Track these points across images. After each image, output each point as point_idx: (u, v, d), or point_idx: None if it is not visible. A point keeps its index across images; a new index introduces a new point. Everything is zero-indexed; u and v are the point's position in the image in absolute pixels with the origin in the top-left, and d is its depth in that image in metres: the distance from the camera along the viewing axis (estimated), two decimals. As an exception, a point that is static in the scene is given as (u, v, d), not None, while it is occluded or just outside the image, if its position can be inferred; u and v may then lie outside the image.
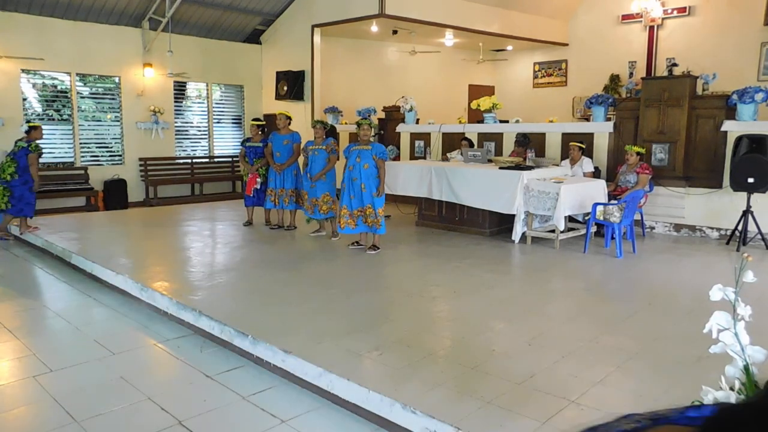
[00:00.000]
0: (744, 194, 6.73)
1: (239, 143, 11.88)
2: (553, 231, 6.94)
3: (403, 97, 10.73)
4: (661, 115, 7.69)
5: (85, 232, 8.12)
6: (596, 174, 7.83)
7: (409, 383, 3.17)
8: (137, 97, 11.70)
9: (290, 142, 7.74)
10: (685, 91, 7.54)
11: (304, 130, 8.38)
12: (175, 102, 12.44)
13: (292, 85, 12.34)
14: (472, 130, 9.78)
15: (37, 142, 7.67)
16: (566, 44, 13.86)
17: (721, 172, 7.30)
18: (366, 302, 4.76)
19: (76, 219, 9.30)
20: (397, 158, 10.30)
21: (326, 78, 12.38)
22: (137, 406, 3.23)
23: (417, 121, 10.96)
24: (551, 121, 9.68)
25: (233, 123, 13.56)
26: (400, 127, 10.82)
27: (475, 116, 11.39)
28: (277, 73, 12.73)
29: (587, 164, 7.72)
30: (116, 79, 11.57)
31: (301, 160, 7.66)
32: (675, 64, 9.91)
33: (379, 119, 11.31)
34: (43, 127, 8.10)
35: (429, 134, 10.35)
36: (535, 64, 14.74)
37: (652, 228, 7.88)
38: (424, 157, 9.86)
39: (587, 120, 10.51)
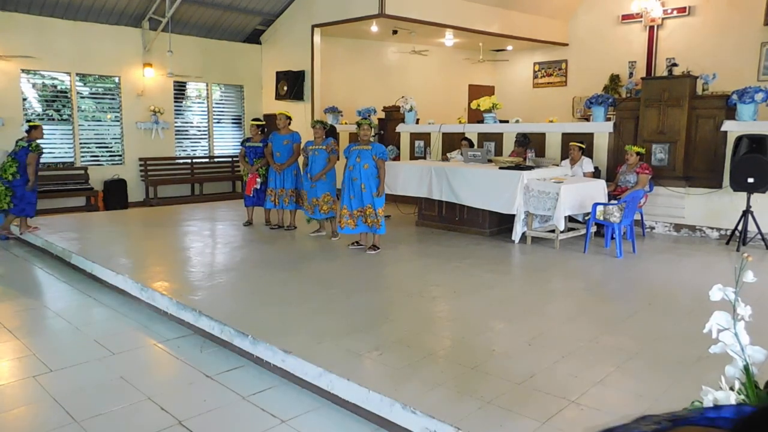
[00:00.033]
0: (744, 194, 6.73)
1: (239, 143, 11.88)
2: (553, 231, 6.94)
3: (403, 97, 10.73)
4: (661, 115, 7.69)
5: (85, 232, 8.12)
6: (596, 174, 7.83)
7: (409, 383, 3.17)
8: (137, 97, 11.70)
9: (290, 142, 7.74)
10: (685, 91, 7.54)
11: (304, 130, 8.37)
12: (175, 102, 12.44)
13: (292, 85, 12.34)
14: (472, 130, 9.78)
15: (38, 141, 7.68)
16: (566, 44, 13.86)
17: (721, 172, 7.30)
18: (366, 302, 4.76)
19: (76, 219, 9.30)
20: (397, 158, 10.30)
21: (326, 78, 12.38)
22: (137, 406, 3.23)
23: (417, 121, 10.96)
24: (551, 121, 9.68)
25: (233, 123, 13.56)
26: (400, 127, 10.82)
27: (475, 116, 11.39)
28: (277, 73, 12.73)
29: (587, 164, 7.72)
30: (116, 79, 11.57)
31: (300, 160, 7.66)
32: (675, 64, 9.91)
33: (379, 119, 11.31)
34: (43, 127, 8.10)
35: (429, 134, 10.35)
36: (535, 64, 14.75)
37: (652, 228, 7.89)
38: (424, 157, 9.86)
39: (587, 120, 10.51)
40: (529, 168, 7.30)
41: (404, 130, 10.79)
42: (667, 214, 7.77)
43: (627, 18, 12.68)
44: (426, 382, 3.20)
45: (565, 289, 5.40)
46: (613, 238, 6.51)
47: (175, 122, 12.46)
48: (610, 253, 6.51)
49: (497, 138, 9.42)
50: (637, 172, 7.22)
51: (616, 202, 6.65)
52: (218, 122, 13.29)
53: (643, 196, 7.28)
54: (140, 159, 11.85)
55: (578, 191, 6.85)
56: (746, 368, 1.43)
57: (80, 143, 11.22)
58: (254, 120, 8.33)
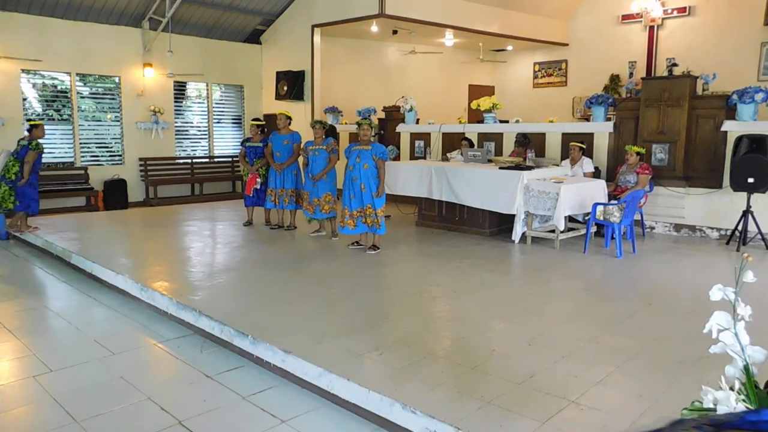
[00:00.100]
0: (744, 194, 6.74)
1: (239, 143, 11.89)
2: (553, 231, 6.94)
3: (403, 97, 10.73)
4: (661, 115, 7.69)
5: (85, 232, 8.12)
6: (596, 174, 7.83)
7: (409, 383, 3.17)
8: (137, 97, 11.70)
9: (290, 142, 7.74)
10: (685, 91, 7.54)
11: (304, 130, 8.38)
12: (175, 102, 12.44)
13: (292, 85, 12.35)
14: (472, 130, 9.79)
15: (39, 140, 7.71)
16: (566, 44, 13.86)
17: (721, 172, 7.30)
18: (366, 302, 4.76)
19: (76, 219, 9.30)
20: (397, 158, 10.29)
21: (326, 78, 12.39)
22: (137, 406, 3.23)
23: (417, 121, 10.96)
24: (551, 121, 9.68)
25: (233, 123, 13.56)
26: (400, 127, 10.82)
27: (475, 116, 11.39)
28: (277, 73, 12.73)
29: (587, 164, 7.72)
30: (116, 79, 11.58)
31: (301, 160, 7.66)
32: (675, 64, 9.92)
33: (379, 119, 11.31)
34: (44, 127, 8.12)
35: (429, 134, 10.35)
36: (535, 64, 14.75)
37: (652, 228, 7.89)
38: (424, 157, 9.86)
39: (587, 120, 10.52)
40: (529, 168, 7.30)
41: (404, 130, 10.79)
42: (667, 214, 7.77)
43: (627, 18, 12.68)
44: (426, 382, 3.20)
45: (565, 289, 5.40)
46: (613, 238, 6.51)
47: (175, 122, 12.46)
48: (610, 253, 6.51)
49: (497, 138, 9.43)
50: (637, 172, 7.22)
51: (616, 202, 6.65)
52: (218, 122, 13.29)
53: (643, 196, 7.28)
54: (140, 159, 11.85)
55: (578, 191, 6.85)
56: (746, 368, 1.43)
57: (80, 143, 11.23)
58: (254, 120, 8.33)
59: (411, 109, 10.65)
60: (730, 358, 1.49)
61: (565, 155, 8.20)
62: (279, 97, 12.60)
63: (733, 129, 7.18)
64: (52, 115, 11.02)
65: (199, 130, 13.07)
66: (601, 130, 8.33)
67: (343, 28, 11.85)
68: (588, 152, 8.06)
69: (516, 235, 7.01)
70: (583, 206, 6.86)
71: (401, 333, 3.99)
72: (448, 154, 9.35)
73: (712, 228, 7.46)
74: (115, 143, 11.79)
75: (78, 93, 11.19)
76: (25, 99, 10.56)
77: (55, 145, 10.96)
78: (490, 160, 8.18)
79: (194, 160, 12.80)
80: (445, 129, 10.13)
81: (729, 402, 1.36)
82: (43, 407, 3.25)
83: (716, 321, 1.49)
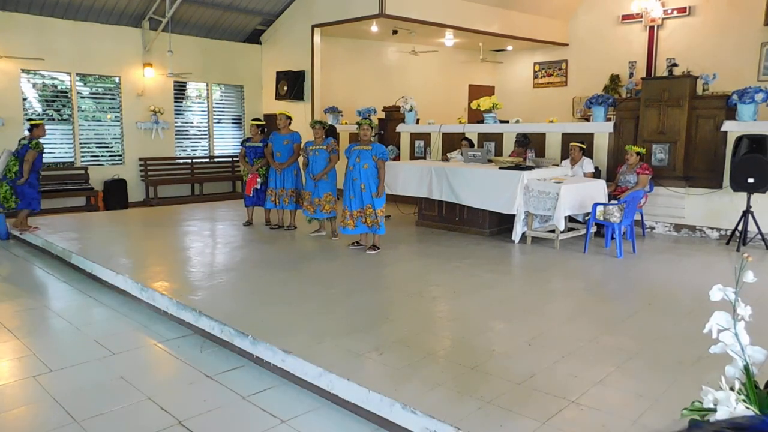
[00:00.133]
0: (744, 194, 6.74)
1: (239, 143, 11.89)
2: (553, 231, 6.94)
3: (403, 97, 10.73)
4: (661, 115, 7.69)
5: (85, 232, 8.12)
6: (596, 174, 7.83)
7: (409, 383, 3.17)
8: (137, 97, 11.70)
9: (290, 142, 7.75)
10: (685, 91, 7.54)
11: (304, 130, 8.38)
12: (175, 102, 12.45)
13: (292, 85, 12.35)
14: (472, 130, 9.79)
15: (39, 140, 7.72)
16: (566, 44, 13.86)
17: (721, 172, 7.30)
18: (366, 302, 4.76)
19: (76, 219, 9.30)
20: (397, 158, 10.30)
21: (326, 78, 12.39)
22: (137, 406, 3.23)
23: (417, 121, 10.96)
24: (551, 122, 9.68)
25: (233, 123, 13.56)
26: (400, 127, 10.82)
27: (475, 116, 11.39)
28: (277, 73, 12.74)
29: (587, 164, 7.72)
30: (116, 79, 11.58)
31: (301, 160, 7.66)
32: (675, 64, 9.93)
33: (379, 119, 11.30)
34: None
35: (429, 134, 10.35)
36: (535, 64, 14.75)
37: (652, 228, 7.89)
38: (424, 157, 9.86)
39: (587, 120, 10.52)
40: (529, 168, 7.30)
41: (404, 130, 10.79)
42: (667, 214, 7.77)
43: (627, 18, 12.68)
44: (426, 382, 3.20)
45: (565, 289, 5.40)
46: (613, 238, 6.51)
47: (175, 122, 12.46)
48: (610, 253, 6.51)
49: (497, 138, 9.43)
50: (637, 172, 7.23)
51: (616, 202, 6.65)
52: (218, 122, 13.29)
53: (643, 196, 7.28)
54: (140, 159, 11.86)
55: (578, 191, 6.85)
56: (746, 368, 1.43)
57: (80, 143, 11.23)
58: (254, 120, 8.33)
59: (411, 109, 10.65)
60: (730, 358, 1.49)
61: (565, 155, 8.20)
62: (279, 97, 12.60)
63: (733, 129, 7.18)
64: (52, 115, 11.02)
65: (199, 130, 13.07)
66: (601, 130, 8.33)
67: (343, 28, 11.86)
68: (588, 152, 8.06)
69: (516, 235, 7.01)
70: (583, 206, 6.86)
71: (401, 333, 3.99)
72: (448, 154, 9.35)
73: (712, 228, 7.46)
74: (115, 143, 11.79)
75: (78, 93, 11.19)
76: (25, 99, 10.57)
77: (55, 145, 10.96)
78: (490, 160, 8.18)
79: (194, 160, 12.80)
80: (445, 129, 10.13)
81: (729, 402, 1.36)
82: (43, 407, 3.25)
83: (716, 321, 1.49)
